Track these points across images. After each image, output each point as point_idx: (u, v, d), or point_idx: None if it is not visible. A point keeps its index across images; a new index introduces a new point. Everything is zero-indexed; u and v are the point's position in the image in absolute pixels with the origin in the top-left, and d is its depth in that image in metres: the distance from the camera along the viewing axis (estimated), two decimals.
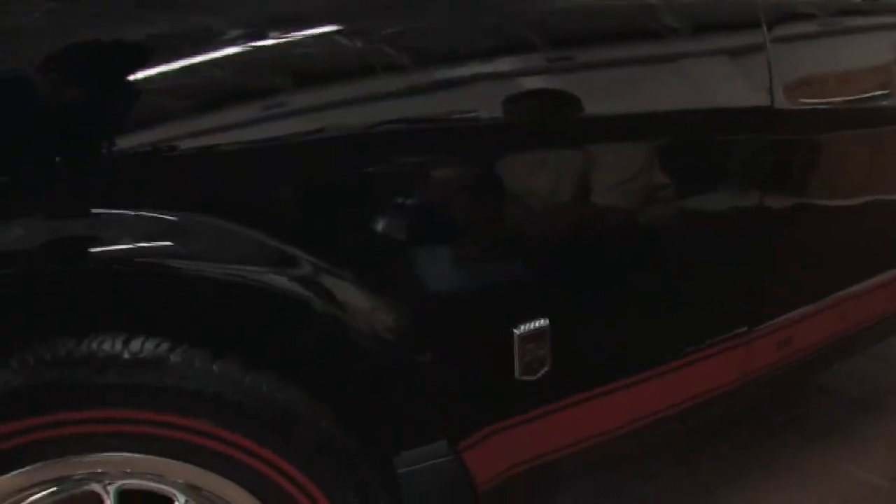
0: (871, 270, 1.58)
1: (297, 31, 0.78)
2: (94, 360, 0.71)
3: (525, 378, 0.94)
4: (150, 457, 0.76)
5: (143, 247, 0.71)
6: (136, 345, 0.72)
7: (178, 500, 0.81)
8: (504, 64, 0.91)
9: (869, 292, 1.56)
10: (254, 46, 0.76)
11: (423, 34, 0.87)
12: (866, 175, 1.52)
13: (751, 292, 1.29)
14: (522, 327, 0.92)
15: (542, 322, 0.93)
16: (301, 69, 0.78)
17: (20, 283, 0.68)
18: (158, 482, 0.80)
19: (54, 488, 0.77)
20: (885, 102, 1.45)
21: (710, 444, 1.89)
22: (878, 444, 1.89)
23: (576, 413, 1.05)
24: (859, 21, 1.47)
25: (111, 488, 0.79)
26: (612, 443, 1.15)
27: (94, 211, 0.70)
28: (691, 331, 1.20)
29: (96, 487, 0.78)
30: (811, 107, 1.27)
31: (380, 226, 0.85)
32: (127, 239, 0.71)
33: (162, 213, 0.72)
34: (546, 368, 0.96)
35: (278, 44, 0.77)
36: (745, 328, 1.26)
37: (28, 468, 0.73)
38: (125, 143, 0.69)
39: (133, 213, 0.70)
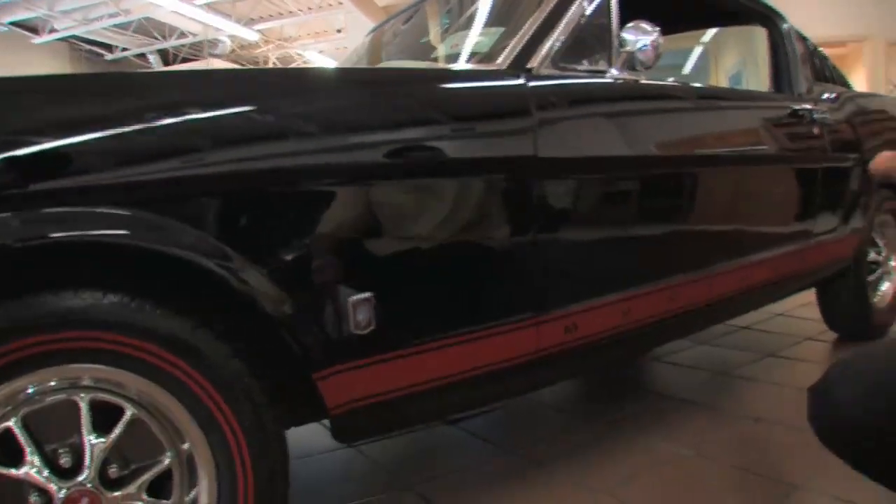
0: (648, 276, 1.99)
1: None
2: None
3: (357, 332, 1.36)
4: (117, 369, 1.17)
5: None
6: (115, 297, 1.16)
7: (127, 411, 1.21)
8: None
9: (645, 295, 1.97)
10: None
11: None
12: (633, 199, 1.96)
13: (535, 286, 1.68)
14: (355, 296, 1.36)
15: (367, 294, 1.37)
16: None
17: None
18: (117, 392, 1.19)
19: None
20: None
21: (544, 434, 2.33)
22: (685, 425, 2.30)
23: (396, 365, 1.44)
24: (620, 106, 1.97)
25: (85, 398, 1.18)
26: (434, 394, 1.51)
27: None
28: (486, 311, 1.59)
29: (74, 396, 1.17)
30: (567, 156, 1.72)
31: (276, 234, 1.30)
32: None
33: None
34: (372, 327, 1.38)
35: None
36: (532, 313, 1.64)
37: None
38: None
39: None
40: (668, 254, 2.11)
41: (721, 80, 4.36)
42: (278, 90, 1.38)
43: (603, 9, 1.96)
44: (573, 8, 1.90)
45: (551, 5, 1.88)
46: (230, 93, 1.32)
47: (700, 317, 2.37)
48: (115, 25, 13.51)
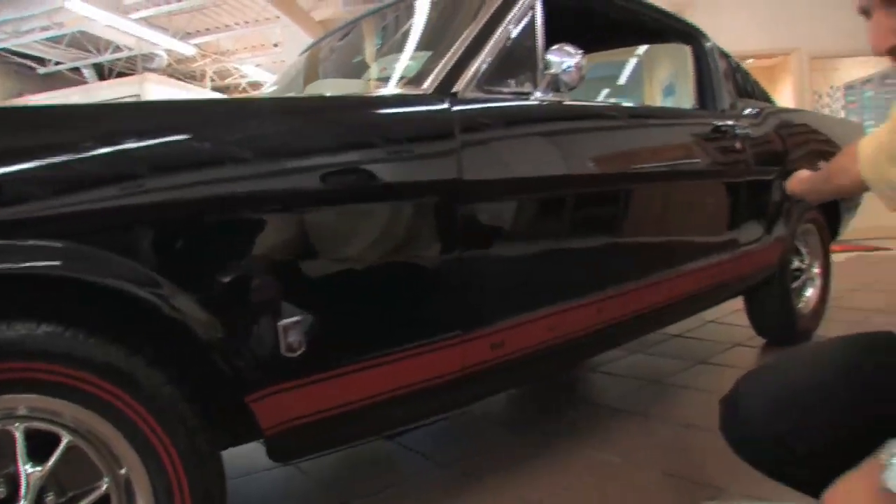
0: (575, 291, 2.04)
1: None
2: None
3: (288, 355, 1.39)
4: (52, 398, 1.18)
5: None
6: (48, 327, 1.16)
7: (63, 439, 1.21)
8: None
9: (572, 310, 2.02)
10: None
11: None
12: (558, 218, 2.00)
13: (461, 305, 1.71)
14: (285, 320, 1.39)
15: (297, 317, 1.40)
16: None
17: None
18: (52, 420, 1.20)
19: None
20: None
21: (481, 446, 2.39)
22: (619, 433, 2.37)
23: (327, 385, 1.46)
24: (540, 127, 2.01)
25: (20, 427, 1.18)
26: (365, 412, 1.54)
27: None
28: (413, 330, 1.62)
29: (9, 426, 1.17)
30: (491, 178, 1.77)
31: (205, 260, 1.32)
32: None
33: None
34: (302, 349, 1.40)
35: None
36: (459, 331, 1.68)
37: None
38: None
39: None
40: (596, 269, 2.16)
41: (655, 92, 4.49)
42: (207, 120, 1.40)
43: (528, 32, 2.02)
44: (499, 32, 1.95)
45: (477, 29, 1.94)
46: (158, 123, 1.33)
47: (629, 329, 2.44)
48: (47, 38, 13.23)
